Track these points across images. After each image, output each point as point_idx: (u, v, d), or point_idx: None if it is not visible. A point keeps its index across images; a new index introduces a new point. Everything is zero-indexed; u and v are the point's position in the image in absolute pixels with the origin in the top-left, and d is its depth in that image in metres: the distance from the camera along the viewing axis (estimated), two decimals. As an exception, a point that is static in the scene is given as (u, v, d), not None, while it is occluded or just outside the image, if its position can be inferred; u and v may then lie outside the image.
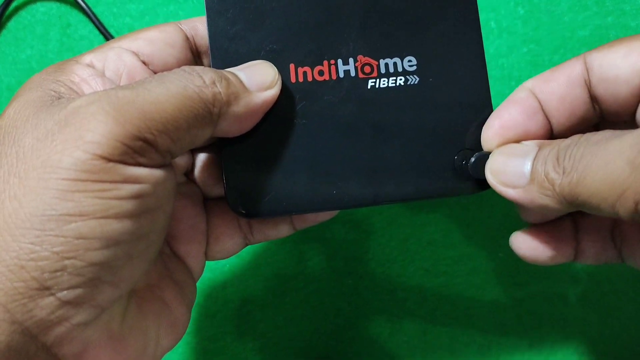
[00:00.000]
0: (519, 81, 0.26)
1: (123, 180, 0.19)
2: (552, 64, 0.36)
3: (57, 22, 0.38)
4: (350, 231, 0.36)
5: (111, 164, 0.18)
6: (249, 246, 0.28)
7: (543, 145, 0.23)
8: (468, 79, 0.26)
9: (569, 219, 0.27)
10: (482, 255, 0.36)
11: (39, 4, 0.38)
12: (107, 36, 0.37)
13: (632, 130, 0.19)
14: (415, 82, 0.25)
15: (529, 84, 0.25)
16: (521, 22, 0.38)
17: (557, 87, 0.24)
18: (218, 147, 0.25)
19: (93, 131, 0.18)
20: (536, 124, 0.24)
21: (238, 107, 0.22)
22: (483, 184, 0.25)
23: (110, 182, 0.19)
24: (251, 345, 0.35)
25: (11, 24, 0.38)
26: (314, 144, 0.25)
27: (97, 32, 0.38)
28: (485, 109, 0.25)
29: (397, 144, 0.25)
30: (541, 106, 0.24)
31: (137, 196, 0.19)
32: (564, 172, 0.20)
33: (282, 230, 0.28)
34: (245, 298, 0.36)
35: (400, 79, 0.25)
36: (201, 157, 0.27)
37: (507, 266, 0.36)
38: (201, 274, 0.27)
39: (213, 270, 0.36)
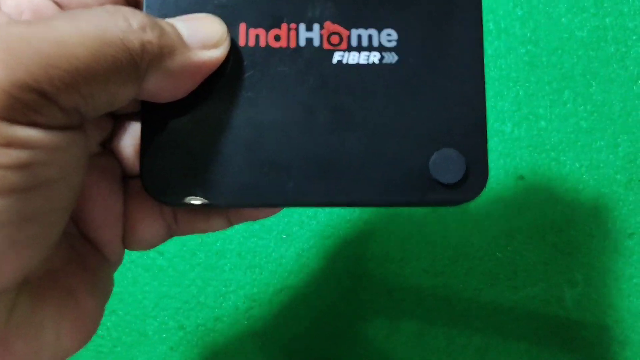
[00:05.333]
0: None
1: (6, 143, 0.14)
2: (550, 65, 0.36)
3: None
4: (348, 231, 0.36)
5: None
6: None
7: None
8: (459, 65, 0.21)
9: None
10: (479, 256, 0.36)
11: (37, 3, 0.38)
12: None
13: None
14: (393, 62, 0.21)
15: None
16: (519, 24, 0.38)
17: None
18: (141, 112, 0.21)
19: None
20: None
21: (172, 64, 0.18)
22: (464, 192, 0.20)
23: None
24: (250, 345, 0.35)
25: (10, 23, 0.38)
26: (258, 124, 0.20)
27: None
28: (476, 103, 0.21)
29: (362, 135, 0.20)
30: None
31: (25, 165, 0.15)
32: None
33: (215, 224, 0.22)
34: (243, 298, 0.36)
35: (375, 55, 0.21)
36: (124, 125, 0.22)
37: (504, 268, 0.36)
38: (119, 263, 0.22)
39: (213, 269, 0.36)
